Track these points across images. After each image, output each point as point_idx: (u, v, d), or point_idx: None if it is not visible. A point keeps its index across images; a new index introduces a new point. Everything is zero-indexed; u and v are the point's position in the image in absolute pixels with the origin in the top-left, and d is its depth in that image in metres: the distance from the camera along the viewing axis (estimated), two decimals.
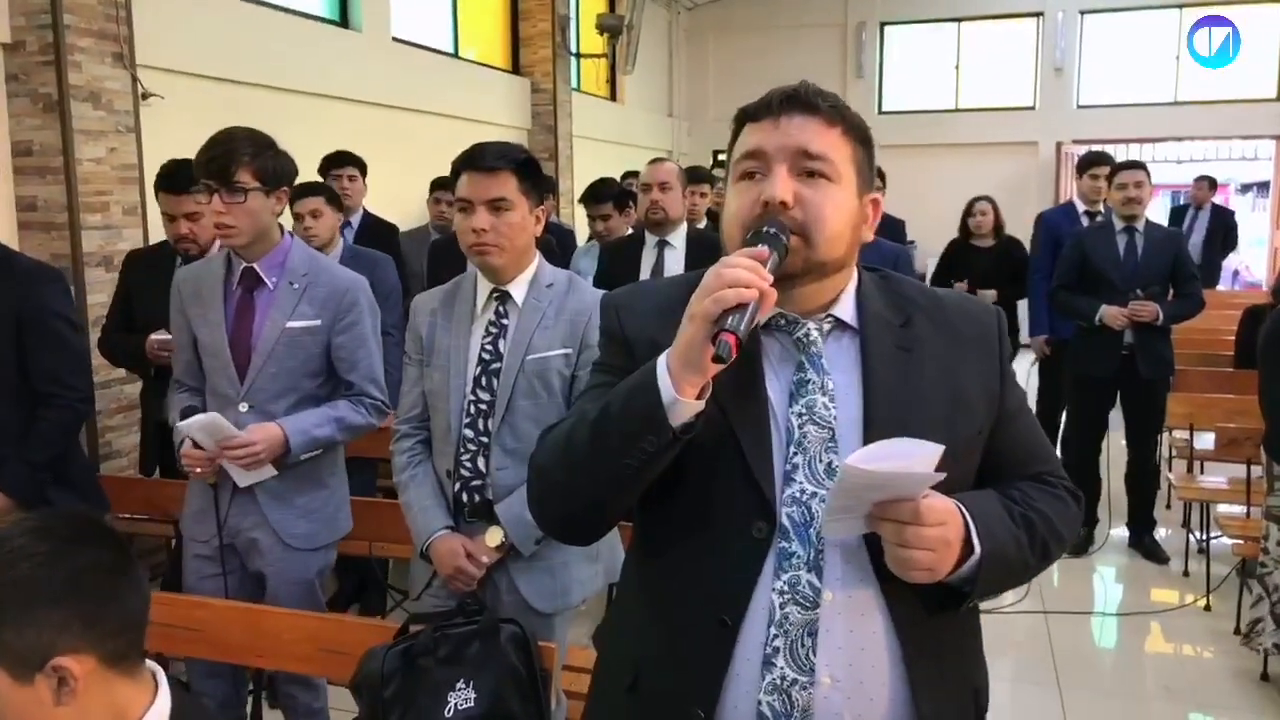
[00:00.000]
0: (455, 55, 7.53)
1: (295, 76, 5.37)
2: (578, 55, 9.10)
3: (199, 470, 2.35)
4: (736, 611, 1.15)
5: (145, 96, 4.18)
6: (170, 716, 1.22)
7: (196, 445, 2.33)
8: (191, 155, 3.43)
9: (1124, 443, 4.83)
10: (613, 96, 10.51)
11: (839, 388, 1.19)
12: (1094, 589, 4.48)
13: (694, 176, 5.00)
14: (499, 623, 1.94)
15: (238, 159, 2.30)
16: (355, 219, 4.67)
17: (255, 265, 2.40)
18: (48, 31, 3.71)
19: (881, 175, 2.90)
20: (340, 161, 4.66)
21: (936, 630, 1.19)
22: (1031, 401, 5.49)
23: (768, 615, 1.14)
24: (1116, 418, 4.75)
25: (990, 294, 5.35)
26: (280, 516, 2.42)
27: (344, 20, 6.09)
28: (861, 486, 1.06)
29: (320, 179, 4.34)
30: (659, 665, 1.21)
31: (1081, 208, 5.39)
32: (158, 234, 4.01)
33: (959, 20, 11.69)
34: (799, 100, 1.18)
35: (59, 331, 2.55)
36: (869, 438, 1.14)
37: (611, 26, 8.45)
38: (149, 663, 1.26)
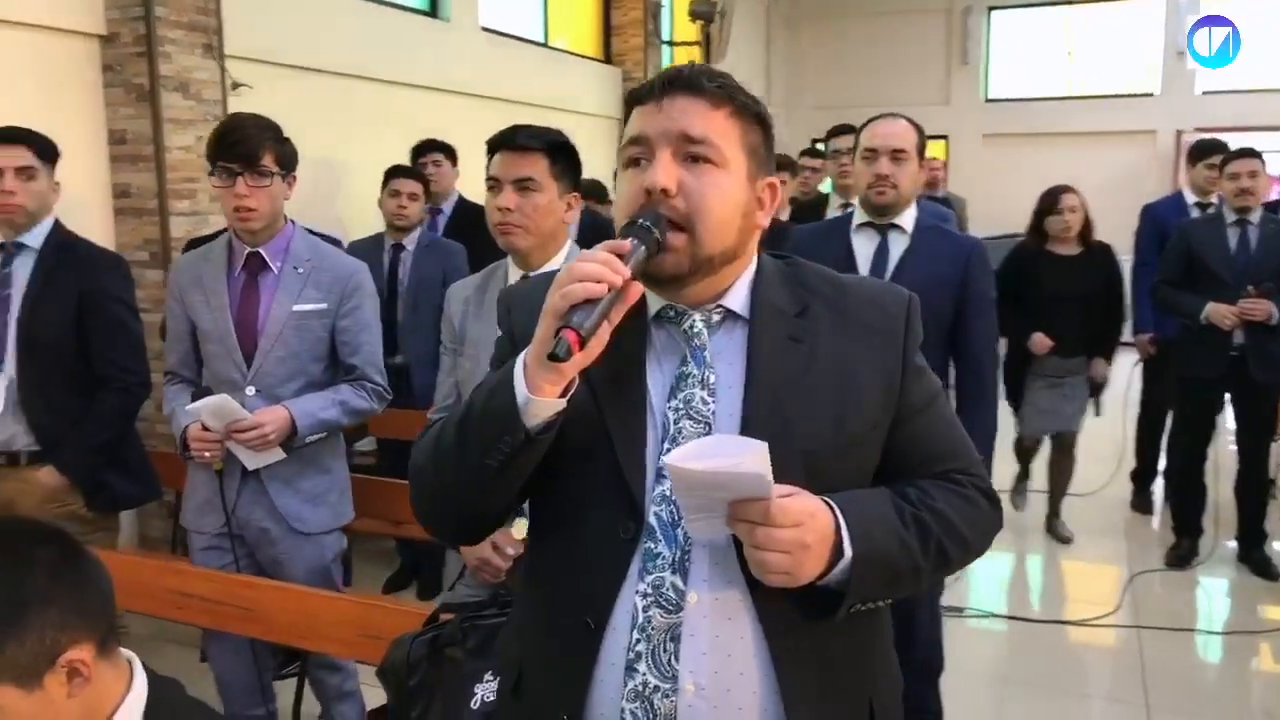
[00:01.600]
0: (545, 44, 7.55)
1: (382, 66, 5.45)
2: (670, 43, 9.03)
3: (207, 454, 2.36)
4: (600, 613, 1.11)
5: (235, 86, 4.30)
6: (147, 704, 1.23)
7: (205, 429, 2.35)
8: None
9: (1233, 449, 4.53)
10: None
11: (722, 381, 1.14)
12: (1196, 604, 4.20)
13: None
14: None
15: (264, 143, 2.34)
16: (448, 205, 4.71)
17: (261, 250, 2.42)
18: (140, 23, 3.84)
19: (921, 146, 2.73)
20: (427, 149, 4.71)
21: (815, 636, 1.12)
22: (1135, 404, 5.24)
23: (631, 618, 1.10)
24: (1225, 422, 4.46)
25: (1102, 369, 4.49)
26: (287, 503, 2.44)
27: (433, 9, 6.16)
28: (696, 485, 1.02)
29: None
30: (535, 667, 1.19)
31: (1191, 199, 5.05)
32: None
33: (1072, 3, 11.18)
34: (682, 81, 1.13)
35: (118, 316, 2.63)
36: (746, 433, 1.09)
37: (704, 13, 8.34)
38: (124, 651, 1.26)
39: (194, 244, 3.51)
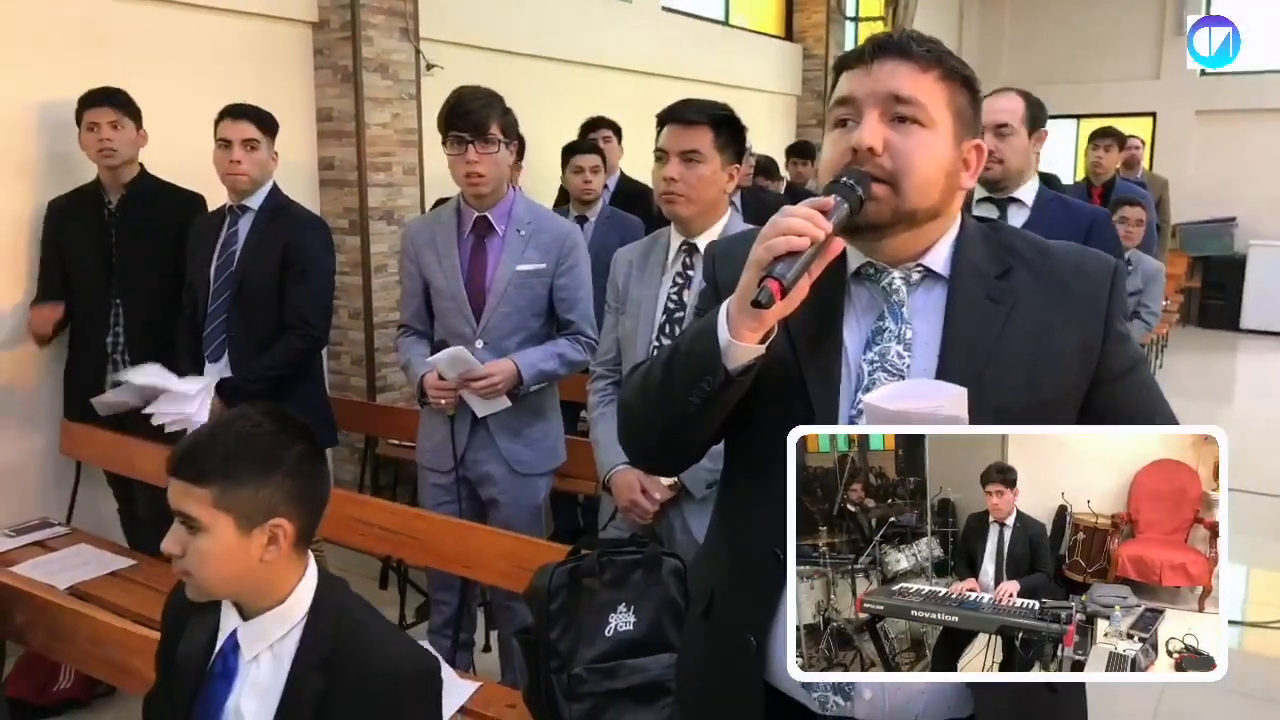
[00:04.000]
0: (725, 23, 7.60)
1: (566, 47, 5.68)
2: (855, 19, 8.89)
3: (443, 401, 2.58)
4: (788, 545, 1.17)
5: (429, 67, 4.61)
6: (316, 589, 1.45)
7: (440, 378, 2.56)
8: None
9: None
10: None
11: (919, 337, 1.18)
12: None
13: None
14: (661, 555, 2.01)
15: (491, 113, 2.52)
16: (612, 181, 4.88)
17: (488, 214, 2.62)
18: (346, 10, 4.19)
19: (1032, 120, 2.62)
20: (597, 125, 4.90)
21: None
22: None
23: None
24: None
25: None
26: (509, 445, 2.64)
27: None
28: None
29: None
30: (726, 593, 1.27)
31: None
32: (434, 192, 4.45)
33: None
34: (892, 45, 1.16)
35: (311, 273, 2.94)
36: None
37: None
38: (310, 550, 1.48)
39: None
